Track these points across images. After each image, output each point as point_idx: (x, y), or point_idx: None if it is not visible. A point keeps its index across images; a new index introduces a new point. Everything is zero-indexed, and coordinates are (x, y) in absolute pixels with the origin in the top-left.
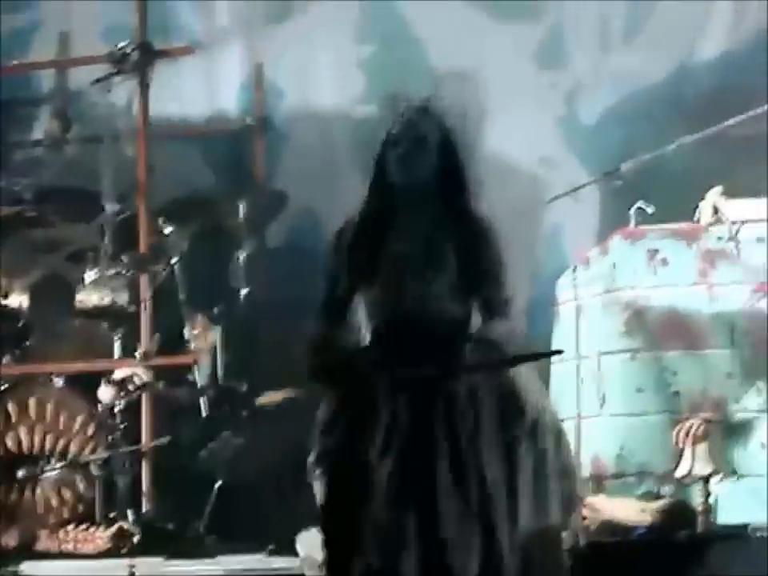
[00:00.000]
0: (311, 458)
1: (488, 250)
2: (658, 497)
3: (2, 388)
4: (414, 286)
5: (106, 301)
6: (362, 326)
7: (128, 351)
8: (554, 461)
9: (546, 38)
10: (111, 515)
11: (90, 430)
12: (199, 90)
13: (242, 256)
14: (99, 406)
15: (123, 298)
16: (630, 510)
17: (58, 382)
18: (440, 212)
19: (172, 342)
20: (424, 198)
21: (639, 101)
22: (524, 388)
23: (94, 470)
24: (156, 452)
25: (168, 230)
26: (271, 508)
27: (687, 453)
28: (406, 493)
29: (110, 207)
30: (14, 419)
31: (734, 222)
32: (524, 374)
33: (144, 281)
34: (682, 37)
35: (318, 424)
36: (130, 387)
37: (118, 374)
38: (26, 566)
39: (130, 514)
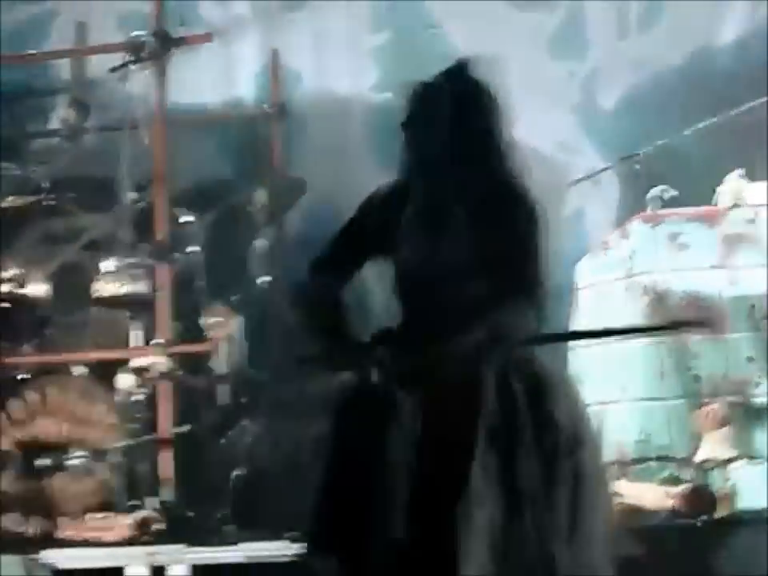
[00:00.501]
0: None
1: (520, 222)
2: (679, 481)
3: (22, 378)
4: (437, 259)
5: (125, 290)
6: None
7: (147, 340)
8: (593, 483)
9: (564, 24)
10: (132, 503)
11: (111, 419)
12: (216, 77)
13: (260, 244)
14: (119, 394)
15: (142, 287)
16: (651, 495)
17: (78, 371)
18: (471, 177)
19: (191, 330)
20: (455, 161)
21: (657, 86)
22: (561, 391)
23: (115, 459)
24: (176, 440)
25: (186, 218)
26: (291, 495)
27: (708, 437)
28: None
29: (128, 196)
30: (34, 409)
31: (754, 206)
32: (559, 374)
33: (162, 270)
34: (700, 22)
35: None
36: (150, 375)
37: (137, 363)
38: (48, 554)
39: (150, 502)
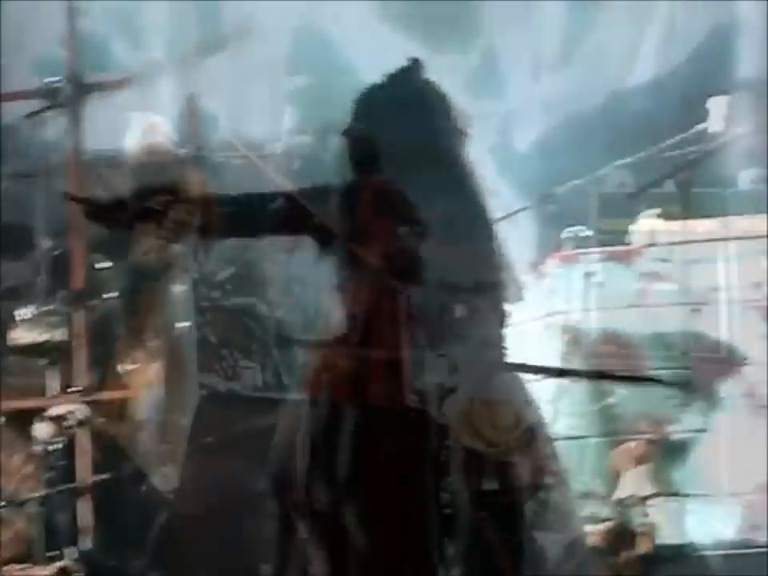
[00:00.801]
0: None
1: (483, 231)
2: (599, 519)
3: None
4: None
5: (42, 337)
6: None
7: (65, 388)
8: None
9: (478, 66)
10: (52, 554)
11: (28, 469)
12: (133, 122)
13: (178, 289)
14: (36, 443)
15: (59, 335)
16: None
17: None
18: (428, 181)
19: (110, 377)
20: (410, 163)
21: (572, 127)
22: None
23: (33, 509)
24: (96, 488)
25: (102, 264)
26: (216, 542)
27: (627, 474)
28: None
29: (44, 243)
30: None
31: (668, 244)
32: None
33: (79, 317)
34: (615, 62)
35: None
36: (67, 424)
37: (55, 411)
38: None
39: (71, 552)
